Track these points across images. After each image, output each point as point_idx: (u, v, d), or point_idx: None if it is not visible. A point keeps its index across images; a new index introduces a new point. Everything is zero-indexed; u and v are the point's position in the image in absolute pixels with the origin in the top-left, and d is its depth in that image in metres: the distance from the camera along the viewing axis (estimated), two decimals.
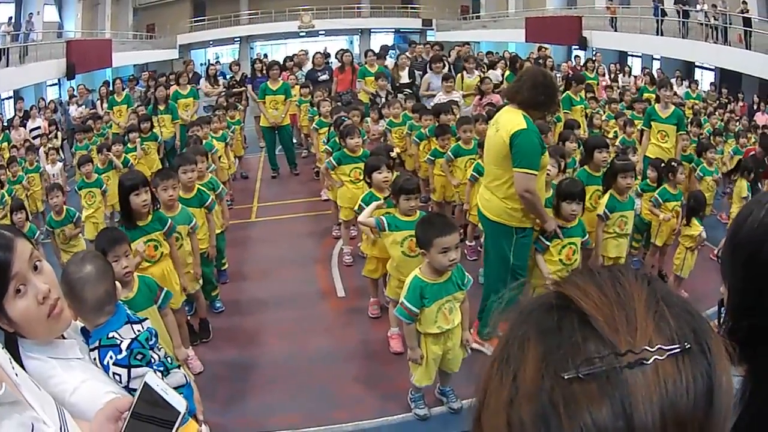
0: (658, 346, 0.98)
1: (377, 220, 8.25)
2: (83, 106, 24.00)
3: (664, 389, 0.95)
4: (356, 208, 9.14)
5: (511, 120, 7.39)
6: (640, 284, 1.10)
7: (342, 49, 21.52)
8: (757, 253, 2.09)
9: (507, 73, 19.49)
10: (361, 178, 9.81)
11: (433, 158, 12.10)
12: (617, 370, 0.97)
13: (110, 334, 4.27)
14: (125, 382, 4.08)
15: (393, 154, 9.91)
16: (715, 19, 29.80)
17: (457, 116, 13.10)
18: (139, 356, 4.36)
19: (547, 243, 7.90)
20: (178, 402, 2.49)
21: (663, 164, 10.88)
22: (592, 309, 1.05)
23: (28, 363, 2.94)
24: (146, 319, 4.82)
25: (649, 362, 0.97)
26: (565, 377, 0.99)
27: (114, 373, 4.04)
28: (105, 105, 20.74)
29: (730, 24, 29.14)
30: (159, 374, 4.36)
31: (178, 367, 4.85)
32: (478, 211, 8.02)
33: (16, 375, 2.50)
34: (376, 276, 9.20)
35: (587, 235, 8.40)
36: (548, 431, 0.97)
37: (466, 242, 11.64)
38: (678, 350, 0.99)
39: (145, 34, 52.89)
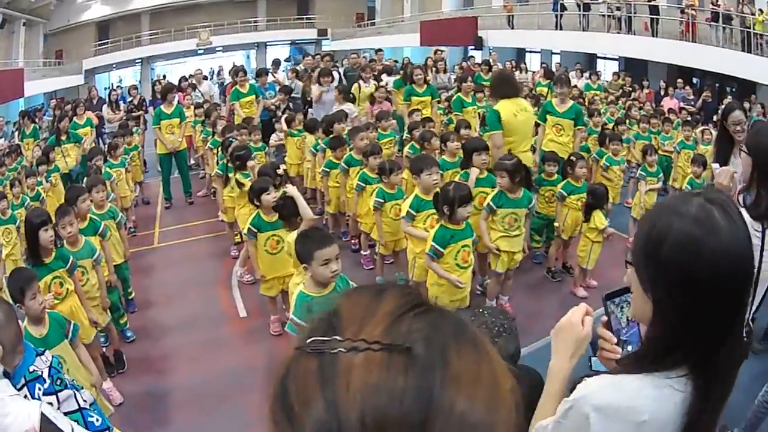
0: (376, 340, 1.06)
1: (248, 231, 8.84)
2: (2, 139, 23.49)
3: (369, 377, 1.02)
4: (245, 231, 9.24)
5: None
6: (398, 297, 1.19)
7: (234, 65, 21.25)
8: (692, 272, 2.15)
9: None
10: None
11: (328, 170, 12.16)
12: (335, 353, 1.07)
13: (31, 369, 4.49)
14: (57, 407, 4.31)
15: (280, 171, 9.94)
16: (618, 10, 30.21)
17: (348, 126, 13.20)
18: (59, 381, 4.60)
19: (443, 251, 7.96)
20: (65, 423, 3.05)
21: (558, 158, 11.14)
22: (344, 308, 1.19)
23: None
24: (45, 350, 4.94)
25: (361, 351, 1.05)
26: (296, 348, 1.14)
27: (47, 402, 4.16)
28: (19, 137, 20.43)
29: (635, 13, 29.65)
30: (76, 393, 4.69)
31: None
32: None
33: None
34: (273, 293, 9.34)
35: (474, 234, 8.48)
36: (284, 393, 1.09)
37: (361, 252, 11.84)
38: (392, 347, 1.06)
39: (54, 60, 51.94)
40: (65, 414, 4.30)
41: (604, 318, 2.62)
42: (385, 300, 1.18)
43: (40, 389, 4.46)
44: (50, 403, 4.23)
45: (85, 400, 4.81)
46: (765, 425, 6.21)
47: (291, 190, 7.94)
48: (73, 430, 3.27)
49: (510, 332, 4.06)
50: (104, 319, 8.54)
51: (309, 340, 1.12)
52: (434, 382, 1.03)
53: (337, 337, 1.09)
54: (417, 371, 1.04)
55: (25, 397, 4.06)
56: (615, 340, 2.62)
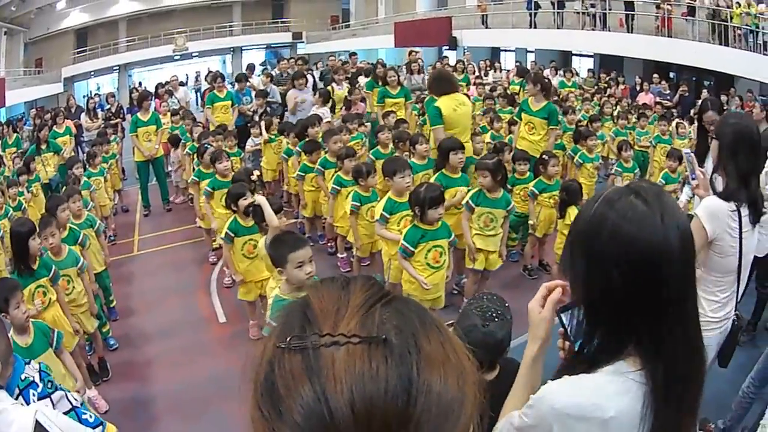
0: (354, 333, 1.13)
1: (225, 236, 8.92)
2: None
3: (353, 369, 1.08)
4: (222, 235, 9.28)
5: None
6: (364, 289, 1.26)
7: (210, 71, 21.21)
8: (593, 240, 2.23)
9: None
10: None
11: (303, 174, 12.22)
12: (317, 348, 1.12)
13: (22, 377, 4.57)
14: (52, 408, 4.36)
15: (254, 177, 9.98)
16: (593, 6, 30.32)
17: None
18: (50, 384, 4.68)
19: (413, 249, 8.06)
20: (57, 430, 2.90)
21: (528, 157, 11.33)
22: (315, 303, 1.24)
23: None
24: (31, 359, 5.01)
25: (342, 345, 1.11)
26: (278, 346, 1.16)
27: (44, 406, 4.23)
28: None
29: (610, 9, 29.69)
30: (67, 393, 4.79)
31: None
32: None
33: None
34: (251, 298, 9.39)
35: (453, 235, 8.52)
36: (272, 388, 1.13)
37: (338, 254, 11.86)
38: (370, 339, 1.12)
39: (34, 69, 51.73)
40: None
41: (561, 330, 2.64)
42: (353, 292, 1.25)
43: (34, 394, 4.54)
44: (46, 405, 4.32)
45: (76, 399, 4.85)
46: (750, 416, 6.28)
47: (259, 198, 8.01)
48: None
49: (502, 319, 4.15)
50: (93, 324, 8.67)
51: (289, 338, 1.16)
52: (411, 367, 1.11)
53: (316, 333, 1.15)
54: (395, 359, 1.11)
55: (21, 404, 4.11)
56: (575, 348, 2.60)
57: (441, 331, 1.23)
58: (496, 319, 4.12)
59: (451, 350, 1.21)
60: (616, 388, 2.26)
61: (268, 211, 7.63)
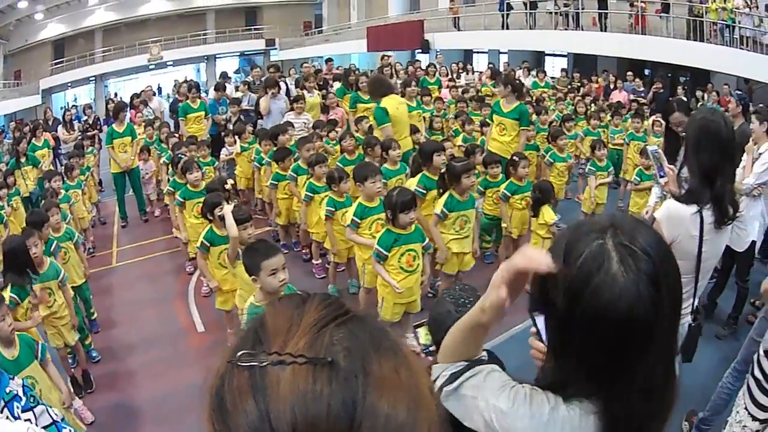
0: (301, 353, 1.13)
1: (201, 245, 8.97)
2: None
3: (297, 389, 1.08)
4: (198, 244, 9.29)
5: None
6: (319, 308, 1.26)
7: (185, 79, 21.06)
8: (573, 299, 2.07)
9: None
10: None
11: (275, 182, 12.26)
12: (264, 366, 1.13)
13: (7, 390, 4.67)
14: (35, 422, 4.54)
15: (228, 186, 10.03)
16: (566, 6, 30.39)
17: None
18: (32, 398, 4.80)
19: (386, 253, 8.14)
20: None
21: (498, 159, 11.41)
22: (269, 320, 1.26)
23: None
24: (14, 375, 5.11)
25: (288, 364, 1.11)
26: (227, 362, 1.19)
27: (25, 419, 4.42)
28: None
29: (583, 8, 29.82)
30: (48, 409, 4.92)
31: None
32: None
33: None
34: (228, 307, 9.37)
35: (426, 239, 8.59)
36: (221, 403, 1.15)
37: (313, 261, 11.92)
38: (316, 361, 1.12)
39: (13, 81, 51.63)
40: (43, 428, 4.49)
41: (533, 329, 2.65)
42: (307, 311, 1.25)
43: (18, 407, 4.63)
44: (28, 420, 4.46)
45: (56, 414, 4.97)
46: (730, 408, 6.36)
47: (225, 208, 8.10)
48: None
49: (473, 305, 4.24)
50: (73, 337, 8.67)
51: (239, 354, 1.17)
52: (357, 390, 1.11)
53: (265, 351, 1.16)
54: (340, 382, 1.10)
55: (7, 418, 4.20)
56: (545, 349, 2.52)
57: (398, 355, 1.24)
58: (468, 306, 4.17)
59: (406, 375, 1.21)
60: (586, 426, 2.19)
61: (228, 221, 7.74)
